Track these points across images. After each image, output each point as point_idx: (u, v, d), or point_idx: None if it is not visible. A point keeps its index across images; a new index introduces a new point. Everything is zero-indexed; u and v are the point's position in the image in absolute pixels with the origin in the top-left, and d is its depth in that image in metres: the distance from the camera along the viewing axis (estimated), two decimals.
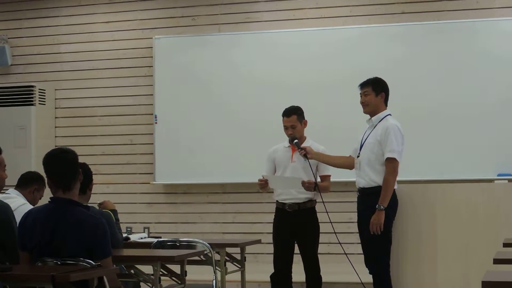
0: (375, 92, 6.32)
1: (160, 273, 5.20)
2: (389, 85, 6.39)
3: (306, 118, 6.84)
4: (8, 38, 10.48)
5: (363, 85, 6.39)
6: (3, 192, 5.93)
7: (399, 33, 9.19)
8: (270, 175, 6.84)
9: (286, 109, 6.84)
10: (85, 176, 4.80)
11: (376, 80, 6.39)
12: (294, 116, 6.78)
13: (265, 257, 8.79)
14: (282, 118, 6.83)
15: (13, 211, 4.99)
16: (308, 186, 6.58)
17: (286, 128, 6.80)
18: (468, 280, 6.31)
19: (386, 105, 6.36)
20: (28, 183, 6.18)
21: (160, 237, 6.76)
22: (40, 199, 6.24)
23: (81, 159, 4.71)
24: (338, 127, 8.93)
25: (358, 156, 6.33)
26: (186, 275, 5.49)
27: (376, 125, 6.27)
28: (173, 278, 5.55)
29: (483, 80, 8.89)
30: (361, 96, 6.38)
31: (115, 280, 4.65)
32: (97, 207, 5.76)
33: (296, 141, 6.67)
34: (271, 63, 9.47)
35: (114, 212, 5.79)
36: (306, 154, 6.54)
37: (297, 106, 6.85)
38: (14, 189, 6.17)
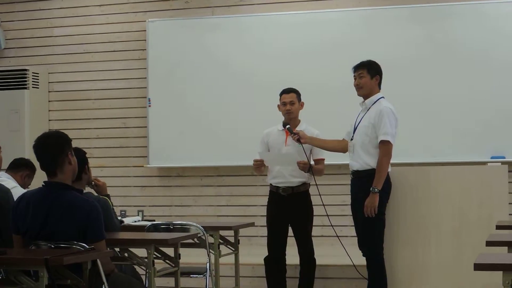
0: (370, 74, 6.30)
1: (154, 256, 5.20)
2: (383, 67, 6.39)
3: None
4: (1, 22, 10.42)
5: (357, 67, 6.36)
6: None
7: (396, 16, 9.13)
8: (265, 153, 6.84)
9: (285, 88, 6.88)
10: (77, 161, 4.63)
11: (371, 63, 6.37)
12: (293, 94, 6.85)
13: (259, 239, 8.82)
14: (279, 97, 6.87)
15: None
16: (303, 166, 6.58)
17: (284, 104, 6.81)
18: (461, 262, 6.33)
19: (380, 88, 6.36)
20: (19, 168, 6.22)
21: (154, 220, 6.77)
22: (29, 185, 6.26)
23: (74, 143, 4.68)
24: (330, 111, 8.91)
25: (351, 139, 6.34)
26: (179, 258, 5.51)
27: (369, 108, 6.27)
28: (167, 261, 5.57)
29: (478, 64, 8.86)
30: (355, 79, 6.36)
31: (109, 263, 4.66)
32: (92, 184, 5.69)
33: (288, 126, 6.67)
34: (264, 46, 9.42)
35: (108, 197, 5.76)
36: (299, 139, 6.54)
37: (295, 88, 6.91)
38: (5, 172, 6.20)
